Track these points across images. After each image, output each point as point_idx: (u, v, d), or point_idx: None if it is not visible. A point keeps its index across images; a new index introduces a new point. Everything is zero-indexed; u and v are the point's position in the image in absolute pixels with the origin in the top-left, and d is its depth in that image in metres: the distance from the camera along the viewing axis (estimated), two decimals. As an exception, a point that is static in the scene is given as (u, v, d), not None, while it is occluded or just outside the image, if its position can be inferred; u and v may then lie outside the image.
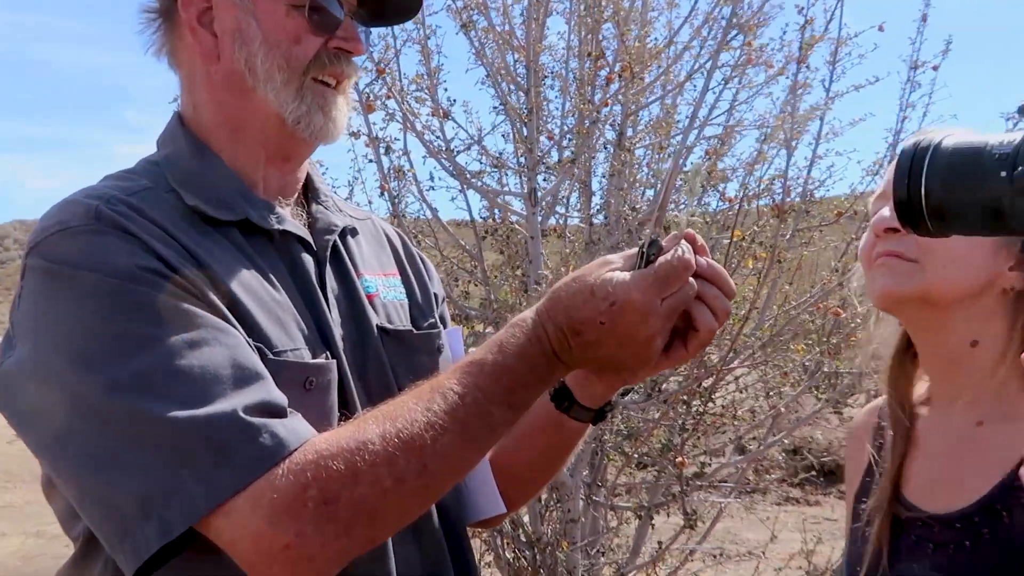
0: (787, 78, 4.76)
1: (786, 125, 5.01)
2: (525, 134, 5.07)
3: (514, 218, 5.19)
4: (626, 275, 1.02)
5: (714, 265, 1.06)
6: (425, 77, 5.03)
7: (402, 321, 1.35)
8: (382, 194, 4.53)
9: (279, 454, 0.97)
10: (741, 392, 5.29)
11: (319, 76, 1.25)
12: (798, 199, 5.02)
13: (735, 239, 4.39)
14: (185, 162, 1.23)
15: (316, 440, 0.99)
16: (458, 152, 5.06)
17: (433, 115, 5.06)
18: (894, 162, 0.89)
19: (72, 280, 1.00)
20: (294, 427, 1.01)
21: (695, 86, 5.36)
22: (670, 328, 1.05)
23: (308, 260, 1.25)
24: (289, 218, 1.26)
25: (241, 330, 1.08)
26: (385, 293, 1.35)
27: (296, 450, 0.97)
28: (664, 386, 4.86)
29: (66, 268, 1.01)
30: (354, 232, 1.38)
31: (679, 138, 5.34)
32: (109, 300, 0.99)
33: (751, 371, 5.24)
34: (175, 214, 1.15)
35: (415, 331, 1.35)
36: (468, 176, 5.03)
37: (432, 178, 5.15)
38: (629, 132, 5.40)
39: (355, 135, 4.49)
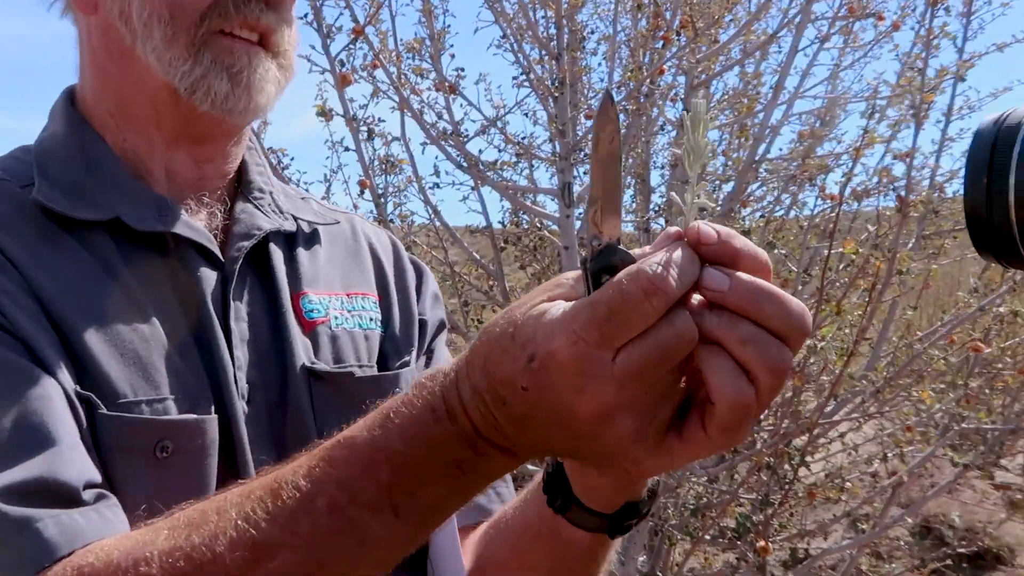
0: (913, 28, 4.28)
1: (910, 94, 4.56)
2: (557, 113, 4.80)
3: (544, 222, 5.03)
4: (559, 309, 0.82)
5: (748, 283, 0.82)
6: (426, 41, 4.84)
7: (360, 357, 1.33)
8: (362, 192, 4.17)
9: (38, 563, 0.94)
10: (849, 453, 5.02)
11: (225, 28, 1.21)
12: (924, 194, 4.62)
13: (844, 251, 4.02)
14: (57, 146, 1.25)
15: (93, 549, 0.95)
16: (470, 137, 4.89)
17: (437, 89, 4.90)
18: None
19: None
20: (74, 524, 0.97)
21: (781, 47, 5.02)
22: (649, 400, 0.82)
23: (209, 276, 1.22)
24: (189, 219, 1.24)
25: (64, 372, 1.06)
26: (342, 319, 1.33)
27: (66, 557, 0.94)
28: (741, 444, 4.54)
29: None
30: (310, 238, 1.36)
31: (763, 115, 5.02)
32: None
33: (861, 425, 4.95)
34: (20, 213, 1.16)
35: (368, 373, 1.32)
36: (483, 168, 4.83)
37: (436, 172, 5.01)
38: None
39: (326, 115, 4.11)
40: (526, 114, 5.03)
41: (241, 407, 1.19)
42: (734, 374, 0.80)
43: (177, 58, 1.19)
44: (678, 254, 0.79)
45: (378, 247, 1.45)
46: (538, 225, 4.90)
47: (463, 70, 4.82)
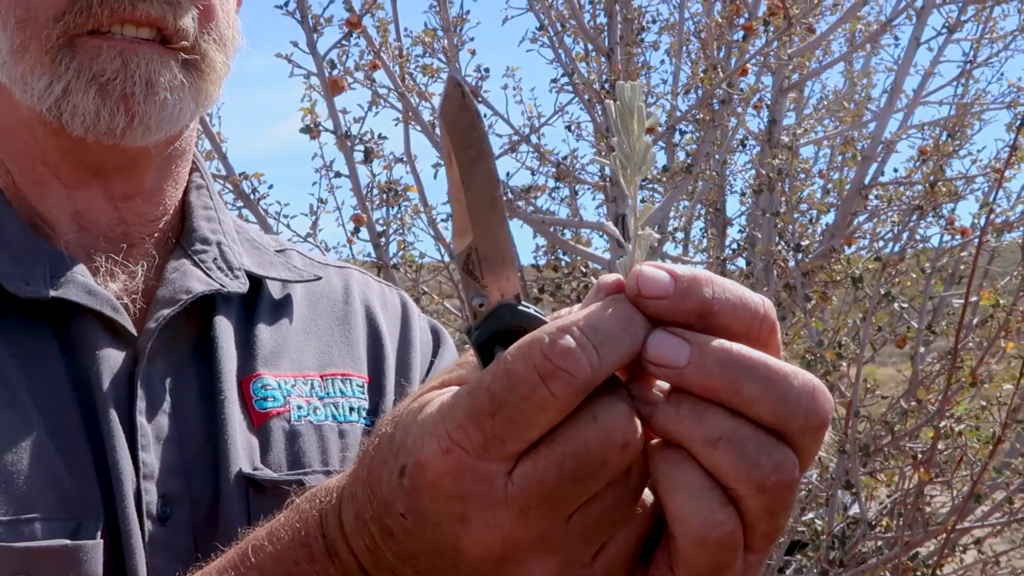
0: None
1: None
2: (608, 124, 4.56)
3: (592, 264, 4.85)
4: (439, 402, 0.79)
5: (718, 351, 0.73)
6: (439, 33, 4.70)
7: (329, 460, 1.32)
8: (357, 230, 4.01)
9: None
10: (992, 567, 4.87)
11: (93, 27, 1.19)
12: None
13: (980, 302, 3.96)
14: None
15: None
16: (497, 155, 4.56)
17: (453, 96, 4.63)
18: None
19: None
20: None
21: (898, 39, 4.88)
22: (579, 534, 0.77)
23: (112, 355, 1.22)
24: (89, 281, 1.23)
25: None
26: (308, 410, 1.33)
27: None
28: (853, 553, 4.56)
29: None
30: (279, 303, 1.36)
31: (874, 126, 4.88)
32: None
33: (1007, 530, 4.83)
34: None
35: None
36: (513, 196, 4.64)
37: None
38: (788, 118, 5.11)
39: (312, 131, 3.97)
40: (568, 127, 4.88)
41: (144, 528, 1.18)
42: (701, 492, 0.74)
43: (31, 73, 1.19)
44: (601, 312, 0.73)
45: (379, 312, 1.44)
46: (583, 269, 4.71)
47: (487, 70, 4.69)
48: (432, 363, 1.47)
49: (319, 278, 1.41)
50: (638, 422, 0.73)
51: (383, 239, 4.20)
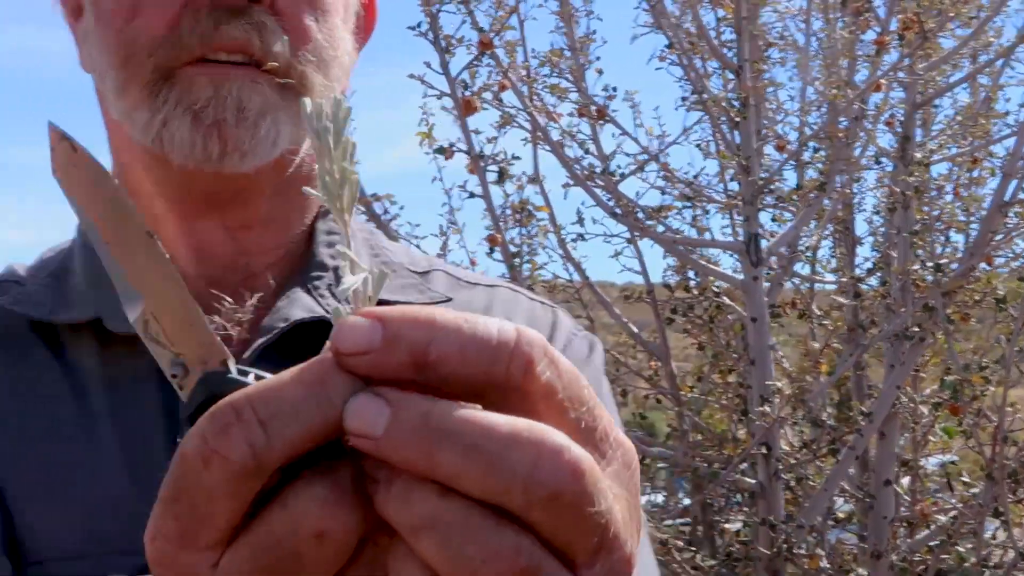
0: None
1: None
2: (738, 142, 4.62)
3: (722, 284, 4.84)
4: None
5: (414, 414, 0.60)
6: (566, 53, 4.66)
7: None
8: (491, 251, 3.99)
9: None
10: None
11: (199, 56, 1.19)
12: None
13: None
14: (78, 233, 1.32)
15: None
16: (624, 176, 4.66)
17: (580, 115, 4.74)
18: None
19: None
20: None
21: None
22: None
23: None
24: None
25: None
26: None
27: None
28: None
29: None
30: None
31: (1013, 142, 4.72)
32: None
33: None
34: None
35: None
36: (641, 216, 4.58)
37: (580, 220, 4.76)
38: (920, 135, 5.00)
39: (446, 153, 3.96)
40: (699, 145, 4.82)
41: None
42: None
43: (134, 108, 1.20)
44: (286, 379, 0.62)
45: None
46: (715, 290, 4.64)
47: (615, 89, 4.65)
48: None
49: (449, 299, 1.36)
50: (348, 506, 0.61)
51: (517, 259, 4.18)
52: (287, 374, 0.61)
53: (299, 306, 1.26)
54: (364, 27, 1.39)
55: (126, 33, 1.20)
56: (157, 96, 1.20)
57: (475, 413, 0.59)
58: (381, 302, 1.29)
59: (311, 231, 1.34)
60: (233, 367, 0.68)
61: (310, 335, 1.24)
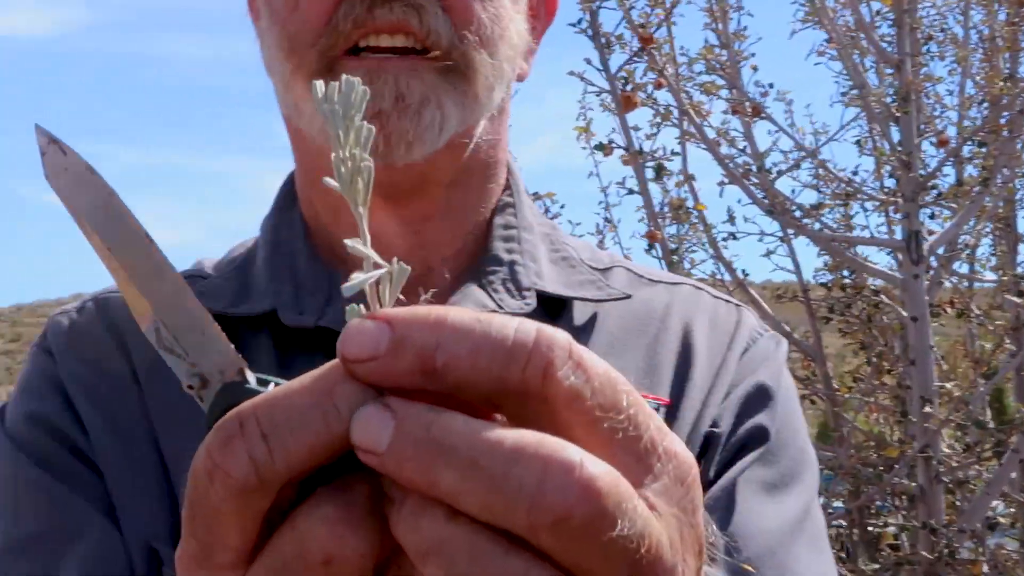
0: None
1: None
2: (897, 139, 4.53)
3: (878, 282, 4.78)
4: None
5: (417, 428, 0.54)
6: (718, 50, 4.64)
7: None
8: (650, 247, 3.98)
9: None
10: None
11: (351, 44, 1.18)
12: None
13: None
14: (265, 234, 1.34)
15: None
16: (779, 173, 4.63)
17: (734, 112, 4.72)
18: None
19: (1, 419, 1.25)
20: None
21: None
22: None
23: None
24: (360, 307, 1.07)
25: (139, 519, 1.13)
26: None
27: None
28: None
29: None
30: (586, 323, 1.30)
31: None
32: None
33: None
34: None
35: None
36: (796, 214, 4.54)
37: (732, 218, 4.75)
38: None
39: (605, 149, 3.97)
40: (857, 142, 4.74)
41: None
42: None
43: (301, 99, 1.21)
44: (291, 388, 0.57)
45: (700, 330, 1.34)
46: (873, 288, 4.55)
47: (771, 85, 4.62)
48: (743, 376, 1.34)
49: (628, 296, 1.33)
50: (361, 529, 0.57)
51: (675, 256, 4.17)
52: (296, 382, 0.57)
53: (471, 301, 1.24)
54: (546, 10, 1.36)
55: (290, 25, 1.20)
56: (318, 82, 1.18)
57: (479, 425, 0.54)
58: (556, 298, 1.30)
59: (489, 225, 1.32)
60: (251, 376, 0.65)
61: None
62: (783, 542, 1.19)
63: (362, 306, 0.57)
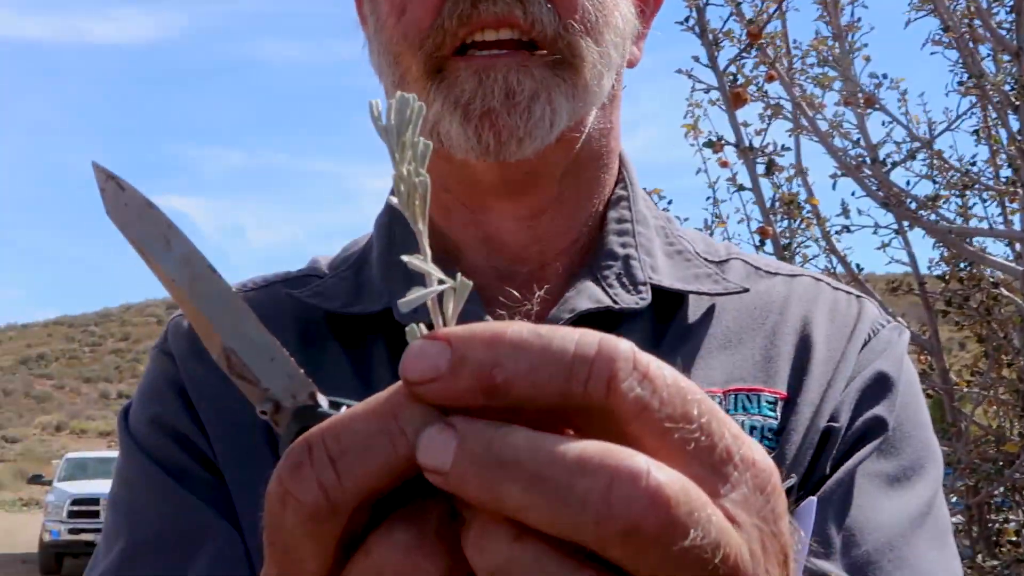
0: None
1: None
2: (1016, 128, 4.45)
3: (996, 274, 4.67)
4: None
5: (478, 448, 0.52)
6: (831, 41, 4.60)
7: None
8: (762, 243, 3.95)
9: None
10: None
11: (457, 43, 1.17)
12: None
13: None
14: (379, 231, 1.33)
15: None
16: (893, 165, 4.56)
17: (846, 104, 4.67)
18: None
19: (124, 420, 1.30)
20: None
21: None
22: None
23: None
24: (473, 306, 1.19)
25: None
26: None
27: None
28: None
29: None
30: (702, 316, 1.28)
31: None
32: (120, 460, 1.27)
33: None
34: (286, 321, 1.27)
35: None
36: (911, 206, 4.47)
37: (846, 211, 4.70)
38: None
39: (715, 146, 3.96)
40: (974, 132, 4.63)
41: None
42: None
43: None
44: (357, 412, 0.56)
45: (819, 323, 1.30)
46: (992, 280, 4.46)
47: (884, 75, 4.55)
48: (861, 367, 1.30)
49: (745, 290, 1.31)
50: (435, 553, 0.55)
51: (788, 251, 4.13)
52: (362, 406, 0.56)
53: (586, 296, 1.23)
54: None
55: (397, 29, 1.20)
56: (429, 91, 1.19)
57: (542, 438, 0.52)
58: (670, 292, 1.27)
59: (603, 218, 1.31)
60: (323, 400, 0.64)
61: (597, 326, 1.17)
62: (904, 536, 1.16)
63: (422, 325, 0.57)
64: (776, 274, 1.36)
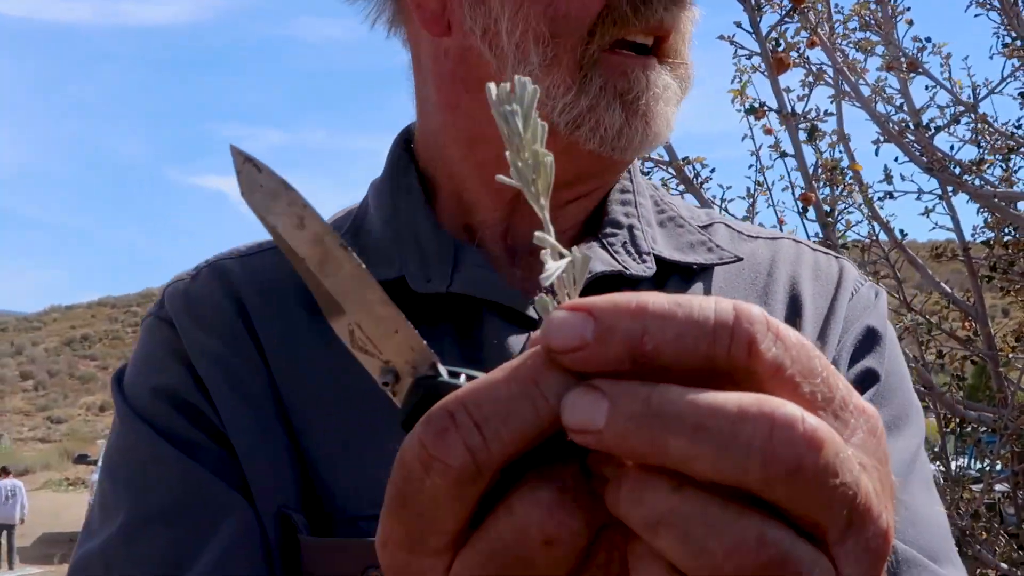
0: None
1: None
2: None
3: None
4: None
5: (634, 405, 0.55)
6: (873, 5, 4.59)
7: None
8: (804, 210, 3.94)
9: None
10: None
11: (618, 36, 1.18)
12: None
13: None
14: (376, 199, 1.33)
15: None
16: (937, 129, 4.54)
17: (889, 69, 4.63)
18: None
19: (119, 389, 1.25)
20: None
21: None
22: None
23: (516, 344, 1.20)
24: (486, 272, 1.24)
25: (269, 487, 1.14)
26: None
27: None
28: None
29: (124, 373, 1.28)
30: (691, 280, 1.31)
31: None
32: (118, 431, 1.22)
33: None
34: (288, 285, 1.25)
35: None
36: (955, 170, 4.45)
37: (889, 177, 4.67)
38: None
39: (757, 112, 3.95)
40: (1020, 94, 4.59)
41: None
42: None
43: (558, 86, 1.18)
44: (496, 379, 0.58)
45: (806, 284, 1.35)
46: (1038, 245, 4.41)
47: (928, 39, 4.49)
48: (850, 323, 1.36)
49: (740, 259, 1.35)
50: (575, 510, 0.58)
51: (831, 218, 4.12)
52: (498, 373, 0.58)
53: (598, 259, 1.25)
54: None
55: (559, 8, 1.19)
56: (588, 78, 1.18)
57: (699, 393, 0.55)
58: (669, 262, 1.29)
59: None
60: (443, 370, 0.66)
61: (607, 289, 1.19)
62: (899, 481, 1.15)
63: (551, 296, 0.60)
64: (757, 238, 1.40)
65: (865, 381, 1.28)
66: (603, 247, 1.28)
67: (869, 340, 1.32)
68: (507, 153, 0.61)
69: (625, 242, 1.30)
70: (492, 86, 0.62)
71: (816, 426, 0.54)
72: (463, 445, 0.57)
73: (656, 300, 0.56)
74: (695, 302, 0.56)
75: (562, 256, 0.61)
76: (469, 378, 0.64)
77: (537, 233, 0.62)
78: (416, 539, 0.61)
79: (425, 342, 0.65)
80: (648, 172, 4.38)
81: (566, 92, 1.18)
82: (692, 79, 1.25)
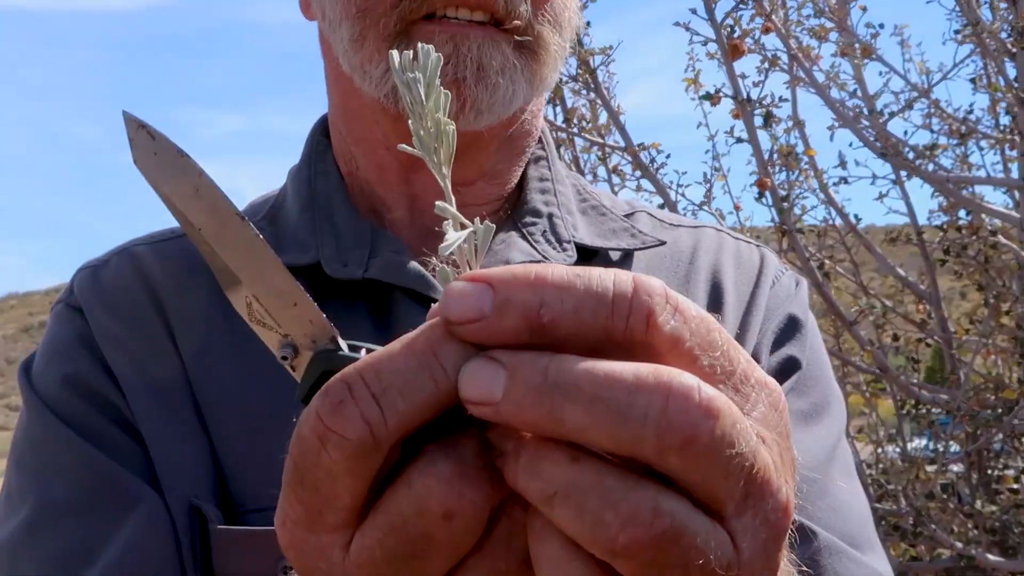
0: None
1: None
2: (1013, 76, 4.44)
3: (995, 223, 4.66)
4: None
5: (532, 374, 0.55)
6: (827, -9, 4.55)
7: None
8: (760, 195, 3.97)
9: None
10: None
11: (430, 10, 1.17)
12: None
13: None
14: (292, 182, 1.34)
15: None
16: (891, 115, 4.57)
17: (843, 55, 4.66)
18: None
19: (27, 378, 1.23)
20: None
21: None
22: None
23: None
24: (403, 260, 1.23)
25: (176, 479, 1.12)
26: None
27: None
28: None
29: (32, 362, 1.25)
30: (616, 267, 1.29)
31: None
32: (25, 421, 1.19)
33: None
34: (200, 271, 1.21)
35: None
36: (909, 155, 4.48)
37: (843, 163, 4.73)
38: None
39: (713, 98, 3.97)
40: (972, 79, 4.63)
41: None
42: (558, 565, 0.56)
43: (368, 61, 1.18)
44: (394, 351, 0.57)
45: (727, 272, 1.35)
46: (991, 228, 4.48)
47: (881, 25, 4.52)
48: (772, 311, 1.36)
49: (662, 243, 1.34)
50: (475, 482, 0.56)
51: (786, 203, 4.15)
52: (396, 345, 0.57)
53: (516, 249, 1.24)
54: None
55: None
56: (394, 49, 1.18)
57: (596, 363, 0.54)
58: (590, 249, 1.28)
59: (522, 178, 1.33)
60: (343, 343, 0.64)
61: None
62: (821, 468, 1.18)
63: (452, 268, 0.58)
64: (679, 226, 1.40)
65: (786, 369, 1.29)
66: (522, 236, 1.27)
67: (791, 328, 1.32)
68: (409, 122, 0.61)
69: (545, 231, 1.29)
70: (395, 53, 0.61)
71: (712, 396, 0.53)
72: (360, 417, 0.55)
73: (556, 271, 0.55)
74: (595, 274, 0.55)
75: (463, 227, 0.59)
76: (369, 352, 0.61)
77: (438, 203, 0.61)
78: (314, 516, 0.60)
79: (324, 315, 0.64)
80: (607, 156, 4.39)
81: (375, 65, 1.18)
82: (555, 57, 1.23)
